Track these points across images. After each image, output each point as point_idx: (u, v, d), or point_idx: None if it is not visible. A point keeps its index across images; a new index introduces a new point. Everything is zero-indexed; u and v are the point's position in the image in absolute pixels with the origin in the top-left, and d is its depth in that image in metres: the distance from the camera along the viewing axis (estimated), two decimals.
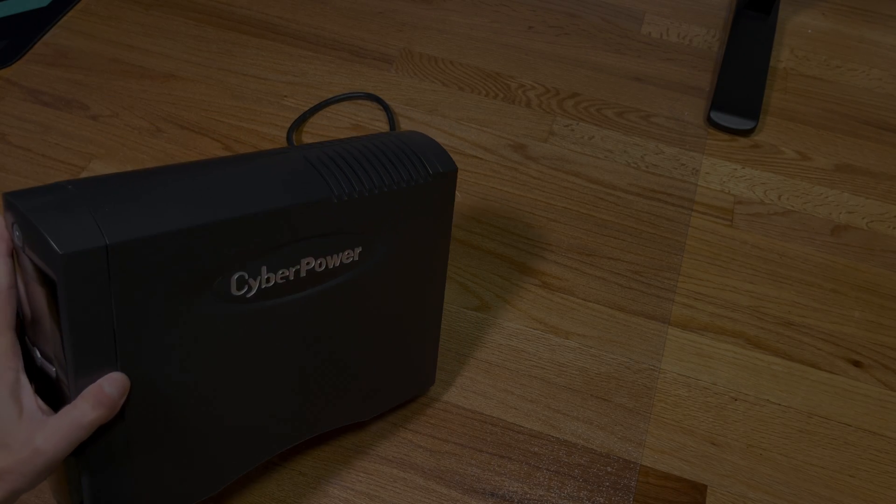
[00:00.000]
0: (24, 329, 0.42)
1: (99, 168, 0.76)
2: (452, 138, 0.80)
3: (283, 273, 0.44)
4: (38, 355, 0.41)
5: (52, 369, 0.40)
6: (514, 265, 0.70)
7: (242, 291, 0.43)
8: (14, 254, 0.40)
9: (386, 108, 0.81)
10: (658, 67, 0.88)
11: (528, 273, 0.70)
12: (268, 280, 0.44)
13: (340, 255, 0.47)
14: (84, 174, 0.75)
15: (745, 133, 0.81)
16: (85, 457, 0.40)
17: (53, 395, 0.41)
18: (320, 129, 0.80)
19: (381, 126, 0.80)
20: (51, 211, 0.36)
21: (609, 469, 0.59)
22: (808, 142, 0.81)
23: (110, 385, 0.39)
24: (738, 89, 0.84)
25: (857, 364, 0.65)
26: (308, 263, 0.45)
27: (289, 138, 0.78)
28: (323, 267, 0.46)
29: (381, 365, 0.55)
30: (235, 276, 0.42)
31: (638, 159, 0.79)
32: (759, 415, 0.62)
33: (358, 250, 0.48)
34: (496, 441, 0.60)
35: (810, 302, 0.69)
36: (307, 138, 0.79)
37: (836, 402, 0.63)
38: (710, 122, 0.82)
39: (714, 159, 0.79)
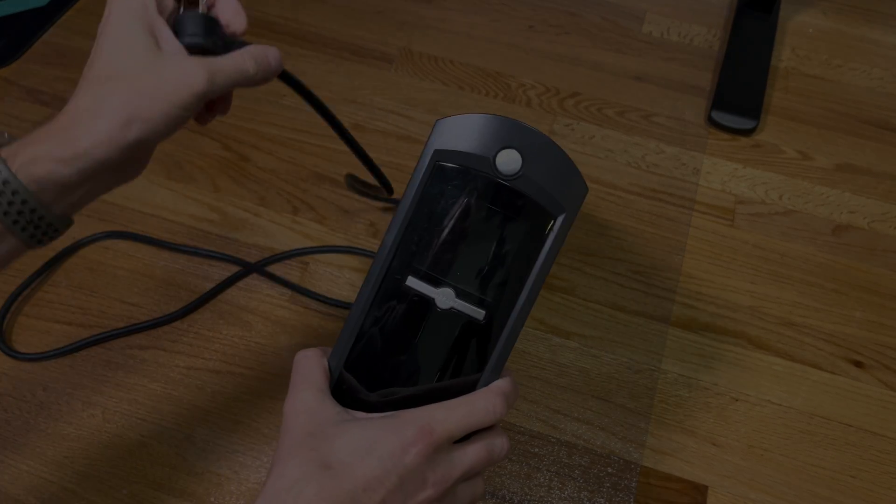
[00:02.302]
0: None
1: None
2: None
3: None
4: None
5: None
6: None
7: None
8: None
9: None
10: (659, 67, 0.87)
11: None
12: None
13: None
14: None
15: (746, 132, 0.81)
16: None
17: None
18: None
19: (381, 126, 0.80)
20: None
21: (610, 470, 0.59)
22: (809, 141, 0.81)
23: (274, 56, 0.43)
24: (739, 89, 0.84)
25: (858, 364, 0.65)
26: None
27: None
28: None
29: None
30: None
31: (639, 159, 0.79)
32: (760, 415, 0.62)
33: None
34: None
35: (811, 302, 0.69)
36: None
37: (838, 403, 0.63)
38: (711, 122, 0.81)
39: (715, 159, 0.79)
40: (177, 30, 0.39)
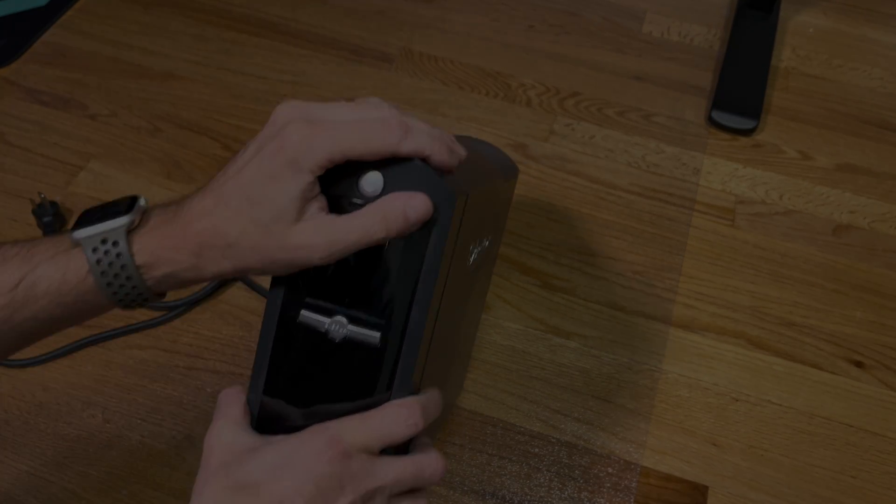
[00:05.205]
0: None
1: (97, 167, 0.75)
2: None
3: (478, 251, 0.47)
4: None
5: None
6: (515, 265, 0.70)
7: (472, 260, 0.46)
8: None
9: None
10: (659, 66, 0.87)
11: (529, 273, 0.70)
12: (473, 255, 0.46)
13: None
14: (82, 174, 0.75)
15: (747, 132, 0.81)
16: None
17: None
18: None
19: None
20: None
21: (610, 470, 0.59)
22: (809, 141, 0.81)
23: (413, 208, 0.36)
24: (740, 88, 0.83)
25: (858, 364, 0.65)
26: (481, 243, 0.48)
27: None
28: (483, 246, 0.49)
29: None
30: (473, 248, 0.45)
31: (639, 159, 0.79)
32: (761, 415, 0.62)
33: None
34: (496, 442, 0.60)
35: (812, 302, 0.69)
36: None
37: (838, 403, 0.63)
38: (712, 122, 0.81)
39: (715, 159, 0.79)
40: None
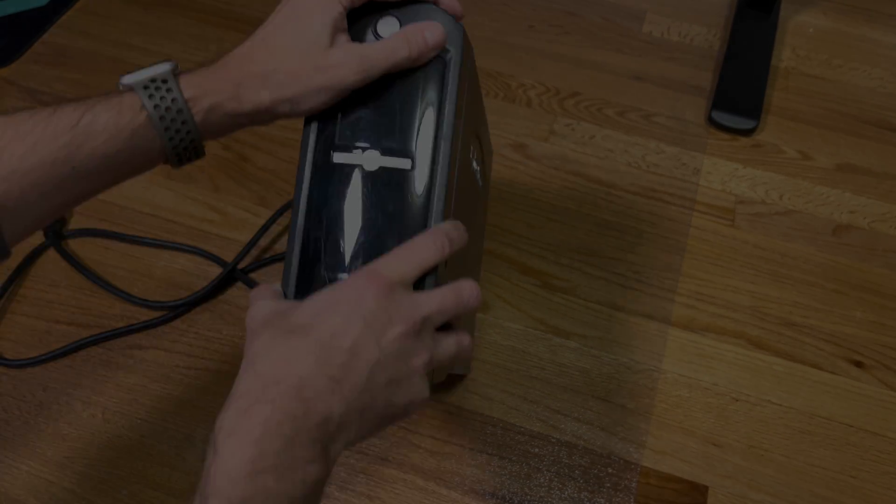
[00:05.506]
0: None
1: None
2: None
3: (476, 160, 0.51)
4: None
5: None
6: (514, 265, 0.70)
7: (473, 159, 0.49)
8: None
9: None
10: (659, 66, 0.87)
11: (528, 273, 0.70)
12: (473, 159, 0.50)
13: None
14: None
15: (747, 132, 0.81)
16: None
17: None
18: None
19: None
20: None
21: (610, 470, 0.59)
22: (809, 141, 0.81)
23: (431, 32, 0.41)
24: (740, 88, 0.83)
25: (858, 364, 0.65)
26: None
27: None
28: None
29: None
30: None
31: (639, 159, 0.79)
32: (761, 415, 0.62)
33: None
34: (496, 442, 0.60)
35: (812, 302, 0.69)
36: None
37: (838, 403, 0.63)
38: (711, 122, 0.81)
39: (715, 159, 0.79)
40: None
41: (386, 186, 0.39)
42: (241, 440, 0.31)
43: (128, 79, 0.40)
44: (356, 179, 0.40)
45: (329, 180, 0.40)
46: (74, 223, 0.71)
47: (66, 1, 0.91)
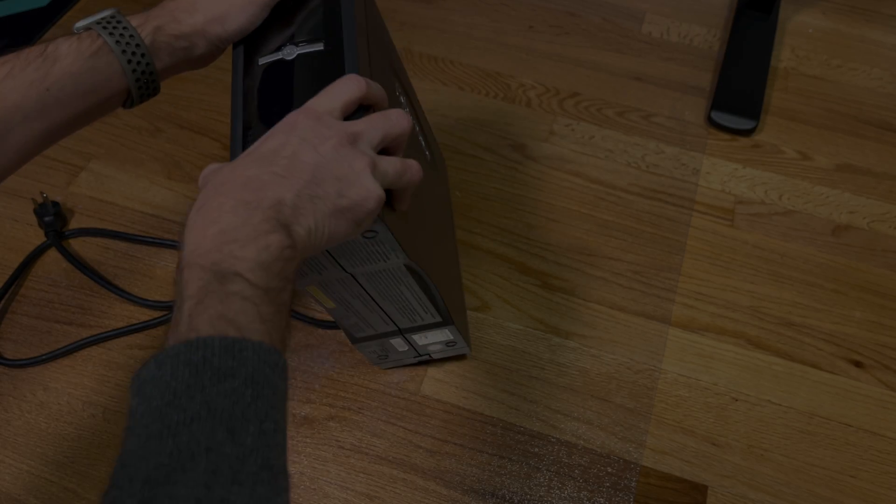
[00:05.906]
0: None
1: (98, 168, 0.75)
2: (452, 138, 0.80)
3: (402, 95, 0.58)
4: None
5: None
6: (514, 265, 0.70)
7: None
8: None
9: None
10: (658, 67, 0.87)
11: (528, 273, 0.70)
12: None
13: None
14: (83, 174, 0.75)
15: (746, 133, 0.81)
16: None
17: None
18: None
19: None
20: None
21: (609, 470, 0.59)
22: (808, 141, 0.81)
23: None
24: (739, 89, 0.84)
25: (857, 364, 0.65)
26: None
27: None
28: None
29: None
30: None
31: (638, 159, 0.79)
32: (760, 415, 0.62)
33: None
34: (496, 441, 0.60)
35: (811, 302, 0.69)
36: None
37: (837, 403, 0.63)
38: (711, 122, 0.81)
39: (715, 159, 0.79)
40: None
41: (308, 69, 0.45)
42: (203, 225, 0.34)
43: (80, 23, 0.45)
44: (281, 70, 0.46)
45: (259, 78, 0.46)
46: (75, 223, 0.72)
47: (66, 1, 0.91)
